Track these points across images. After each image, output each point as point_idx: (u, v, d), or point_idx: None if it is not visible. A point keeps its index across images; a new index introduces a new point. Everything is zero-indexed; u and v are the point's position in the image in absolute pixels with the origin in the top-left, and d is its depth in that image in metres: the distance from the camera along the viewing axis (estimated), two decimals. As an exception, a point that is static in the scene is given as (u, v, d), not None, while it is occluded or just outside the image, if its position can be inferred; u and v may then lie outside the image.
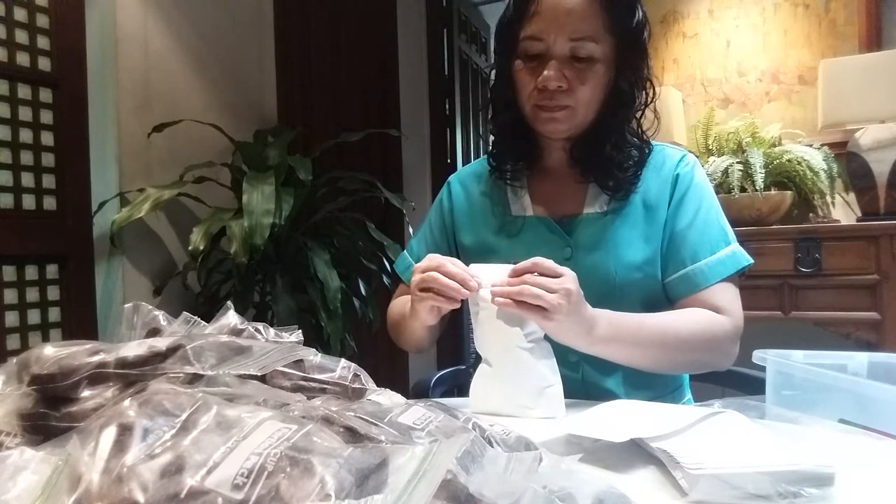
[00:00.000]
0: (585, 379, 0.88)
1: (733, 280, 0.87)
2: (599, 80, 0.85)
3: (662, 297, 0.89)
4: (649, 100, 0.91)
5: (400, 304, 0.99)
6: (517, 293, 0.68)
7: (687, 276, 0.86)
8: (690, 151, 0.97)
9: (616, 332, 0.77)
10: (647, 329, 0.79)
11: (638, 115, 0.91)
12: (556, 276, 0.70)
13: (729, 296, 0.85)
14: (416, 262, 1.01)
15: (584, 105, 0.86)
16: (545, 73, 0.83)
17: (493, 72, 0.96)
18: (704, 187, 0.91)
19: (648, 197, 0.90)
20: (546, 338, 0.88)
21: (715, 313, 0.83)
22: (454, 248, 1.02)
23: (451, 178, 1.06)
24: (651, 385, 0.89)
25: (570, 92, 0.84)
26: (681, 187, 0.89)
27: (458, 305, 0.74)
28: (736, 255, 0.86)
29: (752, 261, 0.87)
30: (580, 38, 0.82)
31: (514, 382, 0.72)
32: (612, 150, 0.87)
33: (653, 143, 0.94)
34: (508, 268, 0.73)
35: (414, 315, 0.81)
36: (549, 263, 0.71)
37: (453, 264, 0.74)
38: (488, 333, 0.74)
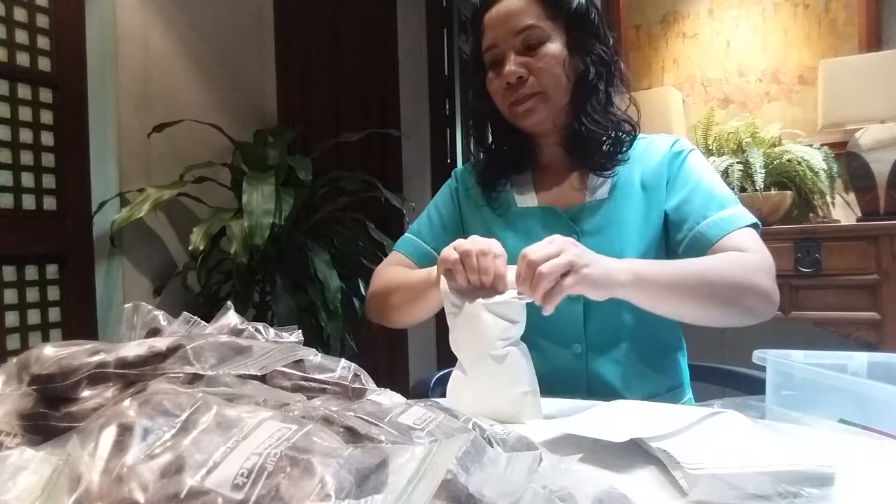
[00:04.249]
0: (590, 369, 0.88)
1: (749, 230, 0.85)
2: (556, 61, 0.89)
3: None
4: (610, 76, 0.93)
5: (401, 273, 0.96)
6: (539, 291, 0.67)
7: (700, 232, 0.86)
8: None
9: (650, 266, 0.76)
10: (681, 264, 0.80)
11: (607, 90, 0.93)
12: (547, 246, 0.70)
13: (748, 239, 0.84)
14: (422, 242, 1.01)
15: (552, 87, 0.90)
16: (504, 70, 0.89)
17: (472, 97, 1.02)
18: (702, 161, 0.93)
19: (645, 179, 0.92)
20: (543, 335, 0.88)
21: (737, 252, 0.82)
22: (461, 232, 1.02)
23: (457, 170, 1.09)
24: (653, 376, 0.90)
25: (533, 80, 0.89)
26: (676, 162, 0.92)
27: (464, 284, 0.72)
28: (745, 213, 0.87)
29: (759, 222, 0.87)
30: (524, 29, 0.89)
31: (489, 389, 0.70)
32: (589, 128, 0.91)
33: (644, 134, 0.97)
34: None
35: (428, 287, 0.81)
36: (534, 247, 0.70)
37: (495, 257, 0.72)
38: (462, 339, 0.72)
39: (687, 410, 0.62)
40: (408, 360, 2.76)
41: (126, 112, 1.85)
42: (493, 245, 0.73)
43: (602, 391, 0.87)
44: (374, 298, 0.99)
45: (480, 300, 0.70)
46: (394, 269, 0.99)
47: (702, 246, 0.85)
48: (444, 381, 1.09)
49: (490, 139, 1.03)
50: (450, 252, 0.74)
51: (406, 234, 1.05)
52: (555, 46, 0.89)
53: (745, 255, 0.81)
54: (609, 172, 0.91)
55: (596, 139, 0.91)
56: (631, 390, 0.88)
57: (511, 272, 0.72)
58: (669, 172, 0.91)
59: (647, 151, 0.94)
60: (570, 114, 0.93)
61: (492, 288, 0.71)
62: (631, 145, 0.94)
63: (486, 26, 0.92)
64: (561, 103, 0.92)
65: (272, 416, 0.33)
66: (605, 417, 0.64)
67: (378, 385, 0.56)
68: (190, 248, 1.67)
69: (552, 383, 0.83)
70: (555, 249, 0.69)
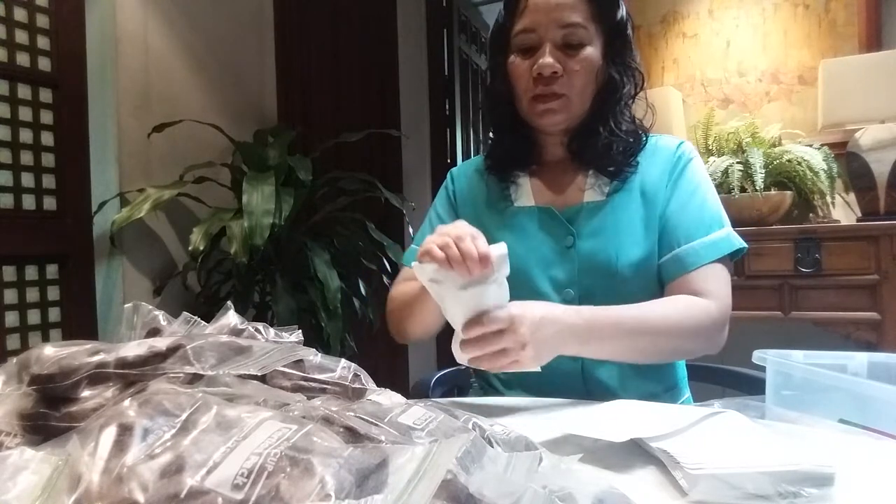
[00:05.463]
0: (586, 371, 0.88)
1: (725, 263, 0.86)
2: (592, 67, 0.88)
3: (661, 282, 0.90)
4: (638, 88, 0.94)
5: (407, 288, 0.96)
6: (488, 358, 0.70)
7: (678, 257, 0.86)
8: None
9: (597, 330, 0.76)
10: (628, 322, 0.78)
11: (629, 101, 0.93)
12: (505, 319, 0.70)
13: (717, 280, 0.84)
14: None
15: (579, 93, 0.89)
16: (540, 60, 0.86)
17: (489, 74, 0.99)
18: (700, 171, 0.92)
19: (646, 183, 0.91)
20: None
21: (700, 298, 0.82)
22: None
23: (453, 170, 1.08)
24: (649, 376, 0.90)
25: (564, 79, 0.87)
26: (677, 170, 0.91)
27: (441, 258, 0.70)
28: (730, 237, 0.87)
29: (745, 245, 0.87)
30: (570, 25, 0.86)
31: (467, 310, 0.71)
32: (607, 136, 0.90)
33: (650, 134, 0.96)
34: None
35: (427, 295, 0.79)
36: (493, 315, 0.70)
37: (472, 239, 0.70)
38: (457, 315, 0.72)
39: (687, 410, 0.62)
40: (408, 360, 2.76)
41: (126, 112, 1.85)
42: (463, 226, 0.72)
43: (600, 392, 0.87)
44: (389, 320, 1.00)
45: (465, 292, 0.70)
46: (403, 287, 0.99)
47: (677, 271, 0.86)
48: (444, 381, 1.09)
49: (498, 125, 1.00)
50: (435, 251, 0.70)
51: (411, 246, 1.04)
52: (593, 51, 0.88)
53: (703, 305, 0.82)
54: (619, 175, 0.91)
55: (609, 144, 0.90)
56: (628, 391, 0.88)
57: (493, 249, 0.71)
58: (669, 179, 0.91)
59: (651, 154, 0.93)
60: (586, 118, 0.92)
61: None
62: (641, 150, 0.93)
63: (528, 7, 0.88)
64: (582, 109, 0.91)
65: (272, 416, 0.33)
66: (605, 417, 0.64)
67: (378, 385, 0.56)
68: (190, 248, 1.67)
69: (550, 386, 0.84)
70: (512, 328, 0.69)
